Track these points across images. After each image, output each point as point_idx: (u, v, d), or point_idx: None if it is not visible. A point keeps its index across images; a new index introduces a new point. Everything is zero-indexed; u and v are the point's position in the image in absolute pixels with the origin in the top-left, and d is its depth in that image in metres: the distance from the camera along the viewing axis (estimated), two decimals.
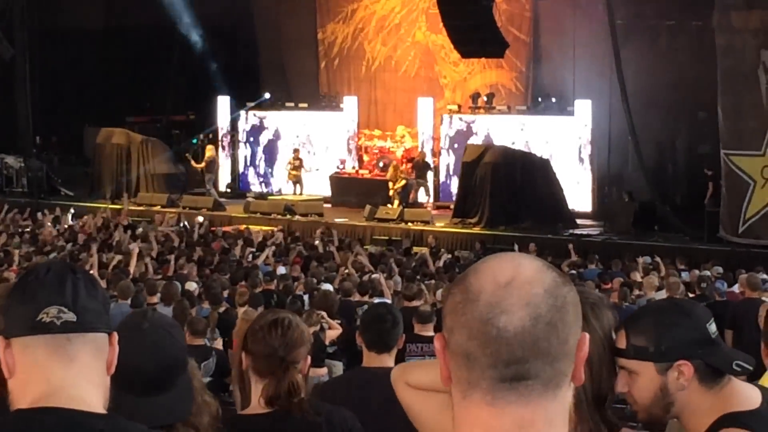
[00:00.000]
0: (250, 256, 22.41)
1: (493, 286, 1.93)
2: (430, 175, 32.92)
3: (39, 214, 29.37)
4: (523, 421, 1.92)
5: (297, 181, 34.18)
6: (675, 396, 3.20)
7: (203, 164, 34.42)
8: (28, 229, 26.57)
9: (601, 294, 3.61)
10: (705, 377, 3.21)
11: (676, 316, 3.25)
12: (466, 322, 1.92)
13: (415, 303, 13.36)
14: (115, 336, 2.53)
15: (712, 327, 3.26)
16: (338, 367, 12.25)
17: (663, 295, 15.05)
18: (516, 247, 23.88)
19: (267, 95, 36.82)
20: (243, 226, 28.99)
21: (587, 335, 2.01)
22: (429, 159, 33.18)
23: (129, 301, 13.63)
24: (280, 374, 4.30)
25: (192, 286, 16.71)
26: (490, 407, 1.92)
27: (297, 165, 34.17)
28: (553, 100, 32.20)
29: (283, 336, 4.34)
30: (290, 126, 36.27)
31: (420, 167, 32.60)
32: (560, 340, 1.94)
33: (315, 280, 17.49)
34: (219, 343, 11.99)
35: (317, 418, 4.37)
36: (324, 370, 11.81)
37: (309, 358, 4.44)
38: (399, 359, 5.93)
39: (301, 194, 33.86)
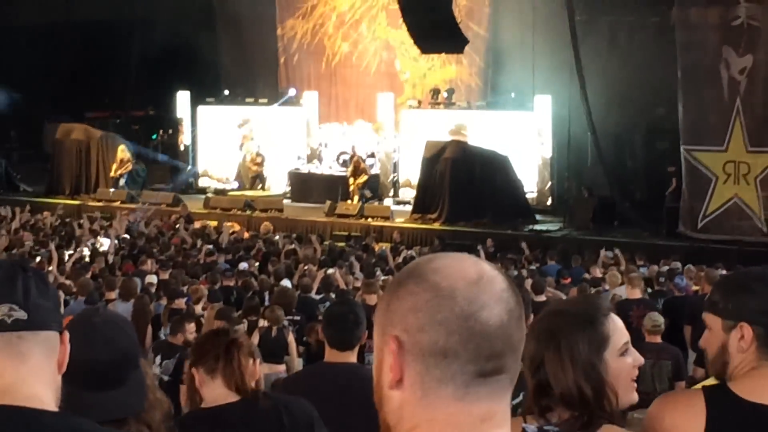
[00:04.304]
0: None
1: (464, 282, 1.93)
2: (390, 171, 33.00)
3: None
4: (488, 414, 1.94)
5: (257, 176, 34.29)
6: (733, 357, 3.29)
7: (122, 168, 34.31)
8: None
9: None
10: (765, 346, 3.27)
11: (756, 283, 3.33)
12: (444, 319, 1.91)
13: (374, 298, 13.35)
14: (66, 335, 2.50)
15: None
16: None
17: (624, 290, 14.97)
18: (480, 249, 23.85)
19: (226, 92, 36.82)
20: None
21: None
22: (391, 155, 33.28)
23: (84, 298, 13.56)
24: (225, 355, 4.51)
25: (153, 279, 16.68)
26: (459, 402, 1.92)
27: (260, 162, 34.30)
28: (513, 95, 32.25)
29: (225, 336, 4.66)
30: (251, 121, 36.11)
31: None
32: (522, 335, 1.97)
33: (274, 277, 17.43)
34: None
35: (277, 407, 4.49)
36: (282, 367, 11.79)
37: (258, 360, 4.56)
38: (358, 354, 5.89)
39: (263, 189, 33.95)
